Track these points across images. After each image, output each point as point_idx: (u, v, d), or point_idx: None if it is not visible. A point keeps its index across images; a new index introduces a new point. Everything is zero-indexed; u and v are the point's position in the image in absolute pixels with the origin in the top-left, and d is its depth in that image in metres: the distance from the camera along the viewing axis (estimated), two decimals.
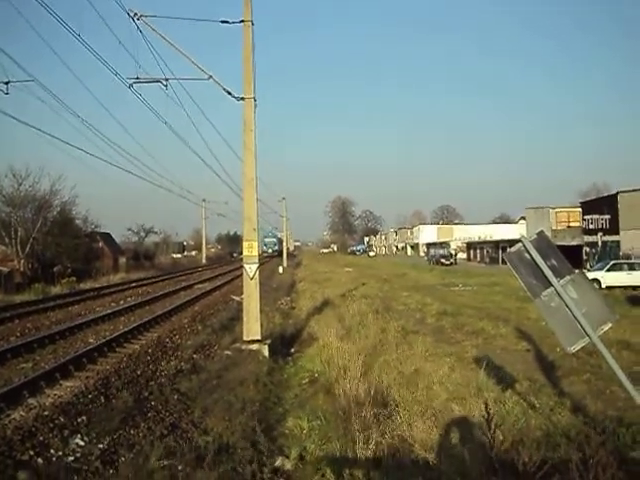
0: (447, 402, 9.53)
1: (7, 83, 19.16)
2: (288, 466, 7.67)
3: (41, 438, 8.96)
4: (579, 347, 6.71)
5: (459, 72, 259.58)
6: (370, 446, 7.42)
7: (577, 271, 6.94)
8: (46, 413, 10.29)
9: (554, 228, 63.52)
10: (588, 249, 53.80)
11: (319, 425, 9.24)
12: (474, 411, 8.49)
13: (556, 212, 67.98)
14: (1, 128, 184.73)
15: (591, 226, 53.61)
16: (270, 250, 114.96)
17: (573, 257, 37.70)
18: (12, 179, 49.56)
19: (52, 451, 8.41)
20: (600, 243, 50.81)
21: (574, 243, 53.87)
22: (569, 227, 64.21)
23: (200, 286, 41.57)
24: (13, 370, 14.17)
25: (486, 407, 6.53)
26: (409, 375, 11.64)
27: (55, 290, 38.67)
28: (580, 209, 59.66)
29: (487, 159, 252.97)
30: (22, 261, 47.04)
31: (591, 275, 32.76)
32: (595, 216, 52.94)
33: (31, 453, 8.33)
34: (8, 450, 8.38)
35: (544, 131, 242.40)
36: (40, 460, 8.08)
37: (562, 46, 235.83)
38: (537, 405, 9.59)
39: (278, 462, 7.73)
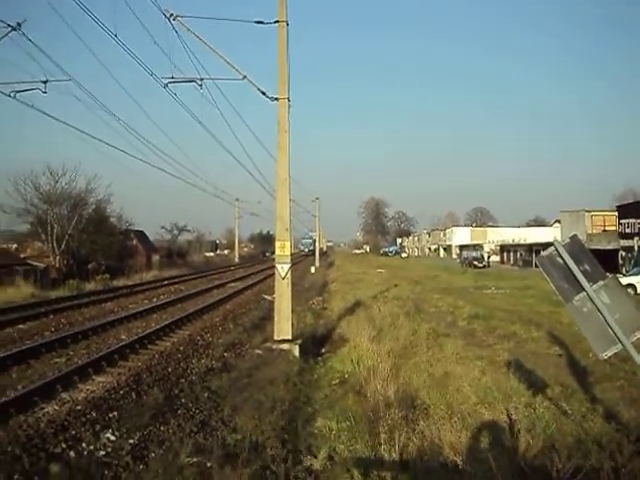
0: (477, 406, 9.46)
1: (45, 82, 19.43)
2: (317, 466, 7.68)
3: (73, 432, 9.12)
4: (611, 353, 6.60)
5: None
6: (398, 448, 7.40)
7: (610, 276, 6.83)
8: (78, 408, 10.48)
9: (589, 232, 62.46)
10: (624, 253, 52.85)
11: (348, 426, 9.23)
12: (504, 415, 8.43)
13: (591, 215, 66.77)
14: (37, 126, 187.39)
15: (627, 230, 52.67)
16: (306, 249, 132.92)
17: (609, 262, 37.15)
18: (49, 177, 50.57)
19: (84, 445, 8.54)
20: (637, 247, 49.93)
21: (610, 247, 53.00)
22: (605, 231, 63.06)
23: (232, 285, 41.81)
24: (47, 365, 14.43)
25: (508, 416, 6.49)
26: (439, 378, 11.59)
27: (89, 286, 39.32)
28: (616, 213, 58.66)
29: (519, 160, 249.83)
30: (57, 257, 47.88)
31: (626, 280, 32.23)
32: (631, 220, 52.01)
33: (63, 446, 8.49)
34: (41, 443, 8.55)
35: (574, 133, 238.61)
36: (72, 453, 8.22)
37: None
38: (569, 411, 9.47)
39: (307, 462, 7.75)
